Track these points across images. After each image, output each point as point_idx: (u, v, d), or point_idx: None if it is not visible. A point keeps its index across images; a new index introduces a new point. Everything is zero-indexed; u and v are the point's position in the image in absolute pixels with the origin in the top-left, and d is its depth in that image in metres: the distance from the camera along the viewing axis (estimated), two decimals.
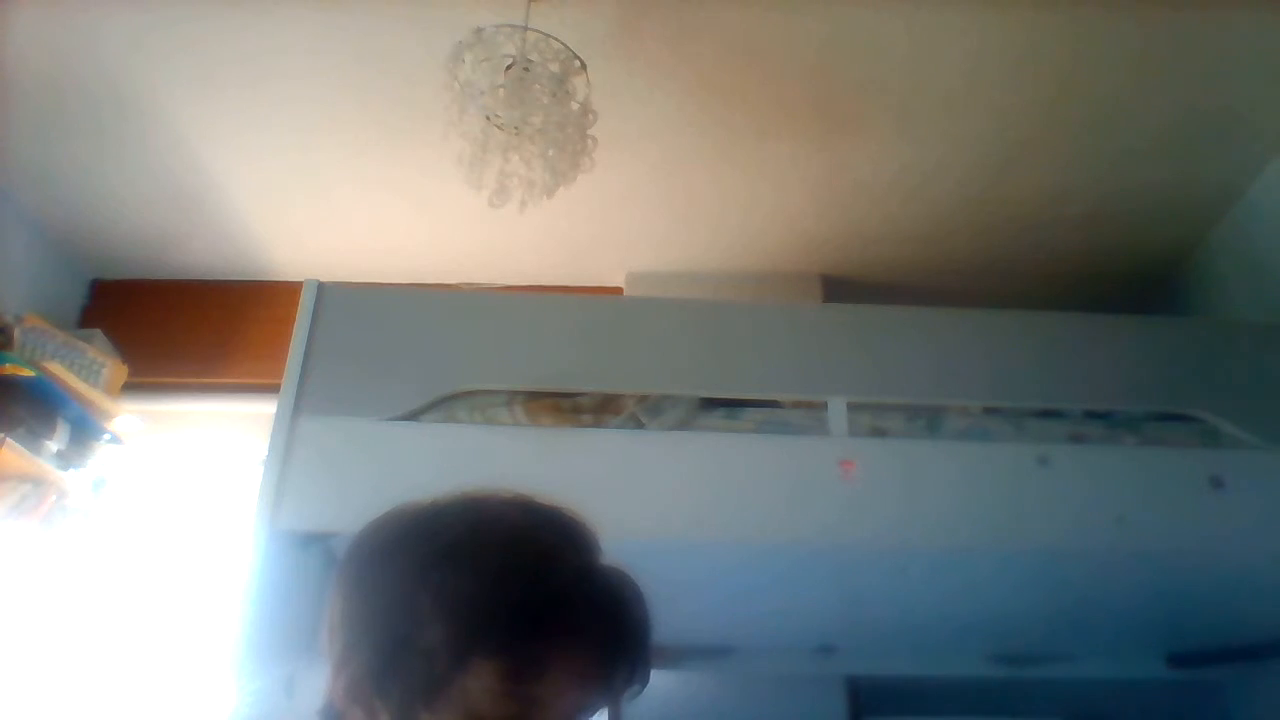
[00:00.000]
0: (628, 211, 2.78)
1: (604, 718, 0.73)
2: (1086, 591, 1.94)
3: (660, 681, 2.43)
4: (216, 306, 3.03)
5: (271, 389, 1.80)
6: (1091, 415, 1.87)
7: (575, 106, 1.90)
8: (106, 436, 2.60)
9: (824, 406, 1.81)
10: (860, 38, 2.19)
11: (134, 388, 2.72)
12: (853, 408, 1.81)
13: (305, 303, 1.85)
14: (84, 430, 2.55)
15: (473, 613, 0.66)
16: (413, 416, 1.74)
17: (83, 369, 2.53)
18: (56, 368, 2.43)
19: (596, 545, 0.75)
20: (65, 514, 2.46)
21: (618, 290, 3.04)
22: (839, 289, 3.03)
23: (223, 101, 2.39)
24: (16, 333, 2.42)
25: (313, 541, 1.70)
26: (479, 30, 1.85)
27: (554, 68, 1.87)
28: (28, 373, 2.36)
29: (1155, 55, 2.21)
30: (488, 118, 1.84)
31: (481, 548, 0.71)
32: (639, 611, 0.73)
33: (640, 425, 1.77)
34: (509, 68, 1.84)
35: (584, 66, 1.91)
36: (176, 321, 3.00)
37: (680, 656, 2.21)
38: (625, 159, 2.50)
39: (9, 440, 2.24)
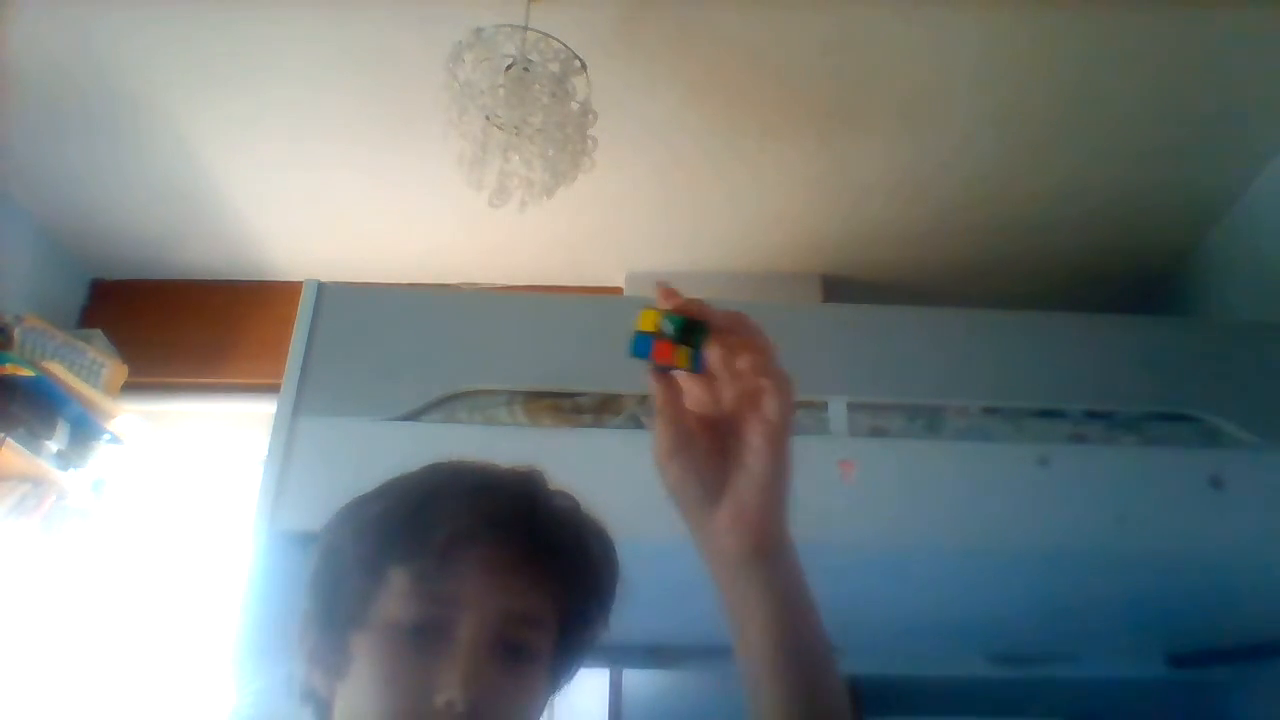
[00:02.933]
0: (628, 211, 2.78)
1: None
2: (1086, 591, 1.94)
3: (660, 681, 2.42)
4: (216, 306, 3.04)
5: (271, 389, 1.80)
6: (1091, 415, 1.87)
7: (575, 106, 1.90)
8: (106, 436, 2.60)
9: (824, 406, 1.81)
10: (861, 38, 2.19)
11: (134, 388, 2.72)
12: (853, 408, 1.81)
13: (305, 303, 1.85)
14: (84, 430, 2.55)
15: (381, 528, 0.69)
16: (413, 416, 1.74)
17: (83, 369, 2.53)
18: (56, 368, 2.43)
19: (544, 486, 0.75)
20: (65, 514, 2.46)
21: (618, 290, 3.04)
22: (839, 289, 3.03)
23: (223, 101, 2.39)
24: (16, 333, 2.43)
25: (312, 542, 1.70)
26: (479, 30, 1.85)
27: (554, 68, 1.87)
28: (28, 373, 2.37)
29: (1155, 55, 2.21)
30: (488, 118, 1.84)
31: (397, 481, 0.74)
32: (556, 503, 0.74)
33: (640, 425, 1.77)
34: (509, 68, 1.84)
35: (584, 66, 1.91)
36: (176, 321, 3.00)
37: (680, 656, 2.21)
38: (625, 159, 2.50)
39: (9, 440, 2.24)
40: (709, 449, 0.60)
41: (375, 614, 0.67)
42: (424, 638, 0.65)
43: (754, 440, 0.58)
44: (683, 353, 0.56)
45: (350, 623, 0.68)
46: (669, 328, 0.56)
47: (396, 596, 0.67)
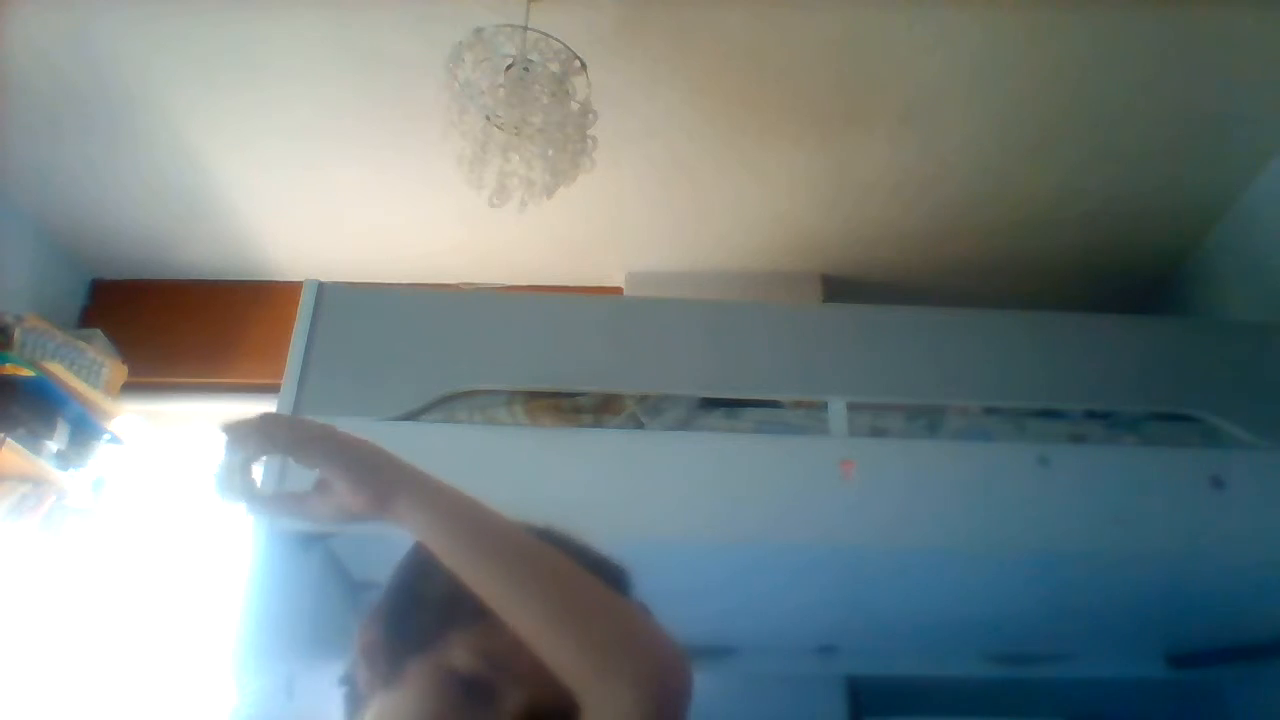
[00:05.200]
0: (628, 211, 2.78)
1: None
2: (1086, 591, 1.94)
3: None
4: (216, 306, 3.03)
5: (271, 389, 1.80)
6: (1091, 415, 1.87)
7: (575, 106, 1.90)
8: (106, 436, 2.60)
9: (824, 406, 1.81)
10: (862, 39, 2.19)
11: (134, 388, 2.72)
12: (853, 408, 1.81)
13: (305, 303, 1.85)
14: (84, 430, 2.55)
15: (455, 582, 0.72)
16: (413, 416, 1.74)
17: (83, 369, 2.53)
18: (56, 368, 2.43)
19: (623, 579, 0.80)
20: (65, 514, 2.46)
21: (618, 290, 3.04)
22: (839, 289, 3.03)
23: (223, 101, 2.39)
24: (16, 333, 2.42)
25: (313, 542, 1.70)
26: (479, 30, 1.85)
27: (554, 68, 1.87)
28: (28, 373, 2.37)
29: (1156, 56, 2.21)
30: (488, 118, 1.84)
31: None
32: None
33: (640, 425, 1.77)
34: (509, 68, 1.84)
35: (584, 66, 1.91)
36: (176, 321, 3.00)
37: None
38: (625, 159, 2.50)
39: (9, 440, 2.24)
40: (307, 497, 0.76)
41: (437, 652, 0.72)
42: (473, 692, 0.70)
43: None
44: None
45: (414, 649, 0.73)
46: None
47: (460, 647, 0.71)
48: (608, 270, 3.04)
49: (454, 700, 0.70)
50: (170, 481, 2.81)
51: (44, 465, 2.36)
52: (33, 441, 2.35)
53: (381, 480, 0.71)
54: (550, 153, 1.85)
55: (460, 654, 0.71)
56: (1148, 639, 2.34)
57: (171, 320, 3.00)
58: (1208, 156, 2.52)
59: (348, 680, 0.78)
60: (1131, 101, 2.34)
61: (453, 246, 2.93)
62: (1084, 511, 1.71)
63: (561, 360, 1.85)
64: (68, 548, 2.46)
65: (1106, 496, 1.72)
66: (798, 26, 2.15)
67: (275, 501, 0.81)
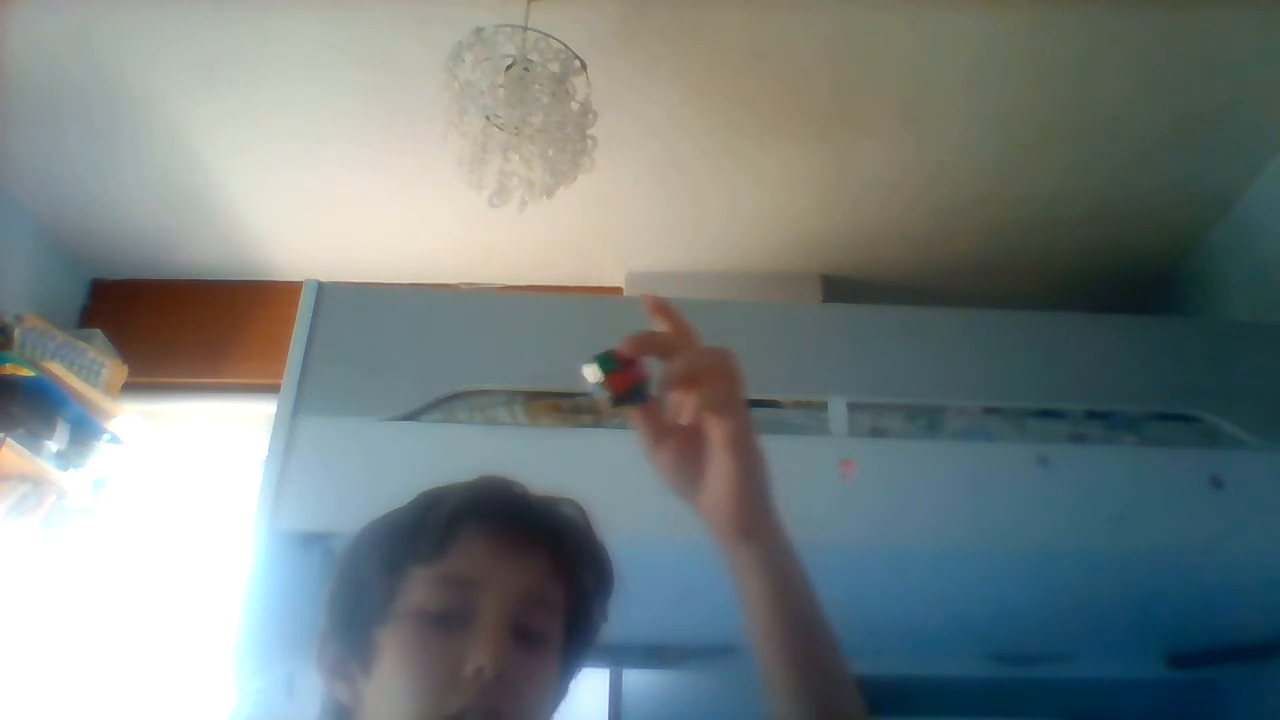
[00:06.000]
0: (628, 211, 2.78)
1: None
2: (1086, 591, 1.94)
3: (660, 681, 2.42)
4: (216, 306, 3.04)
5: (271, 389, 1.80)
6: (1091, 415, 1.87)
7: (575, 106, 1.90)
8: (106, 436, 2.60)
9: (824, 406, 1.81)
10: (861, 39, 2.19)
11: (134, 388, 2.72)
12: (853, 408, 1.81)
13: (305, 303, 1.85)
14: (84, 430, 2.55)
15: (396, 533, 0.75)
16: (413, 416, 1.74)
17: (83, 369, 2.53)
18: (56, 368, 2.43)
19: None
20: (65, 514, 2.46)
21: (618, 290, 3.04)
22: (839, 289, 3.03)
23: (223, 101, 2.39)
24: (16, 333, 2.42)
25: (313, 542, 1.69)
26: (479, 30, 1.85)
27: (554, 68, 1.87)
28: (28, 373, 2.37)
29: (1156, 56, 2.21)
30: (488, 118, 1.84)
31: (412, 498, 0.79)
32: (548, 495, 0.79)
33: None
34: (509, 68, 1.84)
35: (584, 66, 1.91)
36: (176, 321, 3.00)
37: (680, 656, 2.21)
38: (625, 159, 2.50)
39: (9, 440, 2.24)
40: (683, 446, 0.68)
41: (399, 608, 0.72)
42: (448, 621, 0.70)
43: (716, 448, 0.66)
44: (628, 387, 0.64)
45: (374, 621, 0.72)
46: (607, 369, 0.64)
47: (418, 589, 0.71)
48: (608, 270, 3.04)
49: (433, 639, 0.69)
50: (170, 481, 2.81)
51: (44, 465, 2.36)
52: (33, 441, 2.35)
53: (766, 496, 0.69)
54: (550, 153, 1.85)
55: (421, 593, 0.71)
56: (1148, 639, 2.34)
57: (171, 320, 3.00)
58: (1208, 156, 2.52)
59: (332, 709, 0.75)
60: (1131, 101, 2.34)
61: (453, 246, 2.93)
62: (1084, 511, 1.71)
63: (561, 360, 1.84)
64: (68, 548, 2.46)
65: (1106, 496, 1.72)
66: (797, 27, 2.16)
67: (645, 415, 0.68)
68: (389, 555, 0.74)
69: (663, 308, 0.68)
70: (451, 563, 0.71)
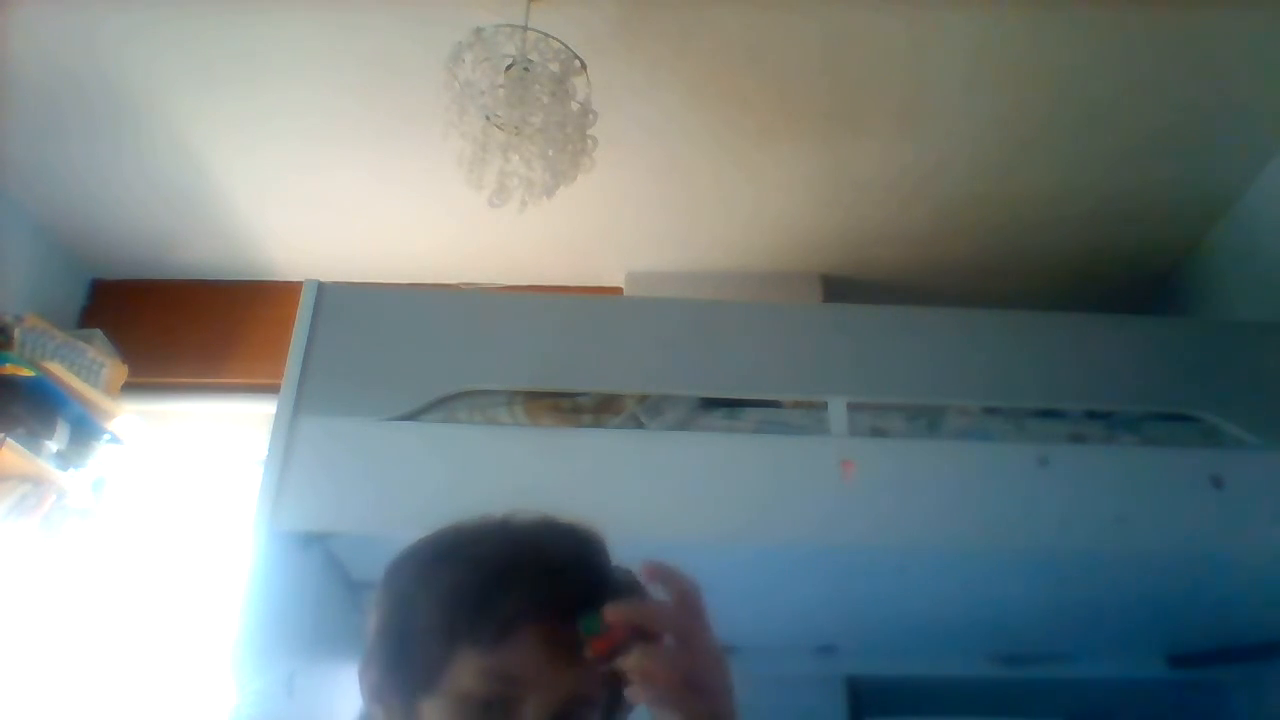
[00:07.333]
0: (628, 211, 2.78)
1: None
2: (1086, 591, 1.94)
3: None
4: (216, 306, 3.03)
5: (271, 389, 1.80)
6: (1091, 415, 1.87)
7: (575, 106, 1.90)
8: (106, 436, 2.60)
9: (824, 406, 1.81)
10: (861, 38, 2.19)
11: (134, 388, 2.72)
12: (853, 408, 1.81)
13: (305, 303, 1.85)
14: (84, 430, 2.55)
15: (452, 604, 0.73)
16: (413, 416, 1.74)
17: (83, 369, 2.53)
18: (56, 368, 2.43)
19: (602, 549, 0.79)
20: (65, 514, 2.45)
21: (618, 290, 3.03)
22: (839, 289, 3.03)
23: (223, 102, 2.39)
24: (16, 333, 2.42)
25: (313, 542, 1.70)
26: (479, 30, 1.85)
27: (554, 67, 1.87)
28: (28, 373, 2.36)
29: (1155, 55, 2.21)
30: (488, 118, 1.84)
31: (465, 541, 0.77)
32: (615, 577, 0.77)
33: (640, 425, 1.77)
34: (509, 68, 1.84)
35: (584, 66, 1.91)
36: (176, 321, 2.99)
37: None
38: (625, 159, 2.50)
39: (9, 440, 2.24)
40: None
41: (446, 685, 0.72)
42: (491, 711, 0.70)
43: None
44: (609, 650, 0.69)
45: (421, 689, 0.73)
46: (590, 630, 0.69)
47: (469, 675, 0.71)
48: (608, 270, 3.04)
49: None
50: (170, 481, 2.81)
51: (44, 465, 2.36)
52: (33, 441, 2.35)
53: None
54: (550, 153, 1.85)
55: (470, 679, 0.71)
56: (1148, 639, 2.34)
57: (171, 320, 2.99)
58: (1208, 155, 2.52)
59: None
60: (1131, 100, 2.34)
61: (453, 246, 2.93)
62: (1084, 511, 1.71)
63: (561, 360, 1.85)
64: (68, 548, 2.46)
65: (1106, 496, 1.73)
66: (797, 27, 2.16)
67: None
68: (445, 627, 0.73)
69: (660, 574, 0.72)
70: (505, 657, 0.71)
